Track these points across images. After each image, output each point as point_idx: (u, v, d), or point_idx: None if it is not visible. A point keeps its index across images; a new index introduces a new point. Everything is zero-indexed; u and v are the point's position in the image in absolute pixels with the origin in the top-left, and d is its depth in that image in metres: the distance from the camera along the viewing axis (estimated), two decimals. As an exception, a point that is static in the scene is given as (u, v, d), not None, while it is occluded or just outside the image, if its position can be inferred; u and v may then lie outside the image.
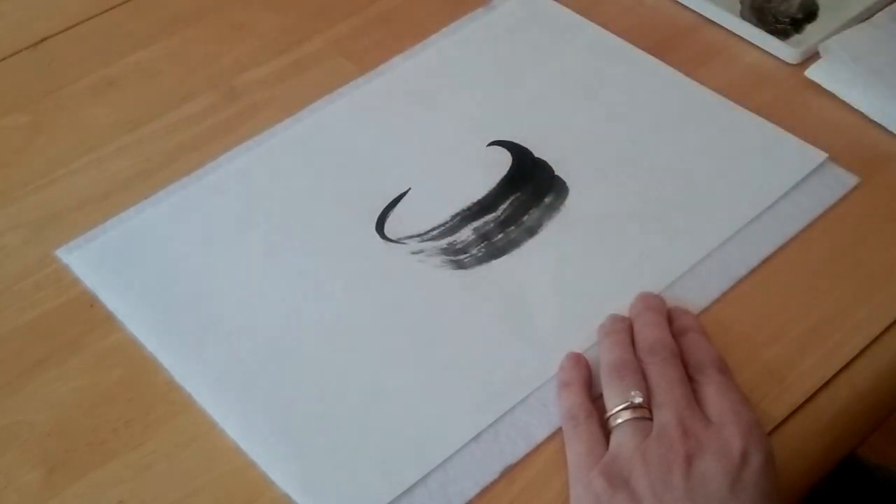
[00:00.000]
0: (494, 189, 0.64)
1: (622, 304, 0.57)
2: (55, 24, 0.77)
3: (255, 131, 0.68)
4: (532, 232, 0.61)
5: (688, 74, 0.70)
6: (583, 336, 0.56)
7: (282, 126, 0.68)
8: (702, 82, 0.69)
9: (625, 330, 0.55)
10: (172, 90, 0.72)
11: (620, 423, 0.50)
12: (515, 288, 0.59)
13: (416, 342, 0.57)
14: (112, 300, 0.60)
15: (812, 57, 0.69)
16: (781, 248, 0.60)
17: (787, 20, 0.72)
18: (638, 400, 0.50)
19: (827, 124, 0.66)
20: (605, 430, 0.51)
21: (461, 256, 0.60)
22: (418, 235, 0.62)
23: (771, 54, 0.71)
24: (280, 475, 0.52)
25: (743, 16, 0.73)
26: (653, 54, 0.71)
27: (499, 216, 0.62)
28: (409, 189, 0.64)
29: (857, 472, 0.81)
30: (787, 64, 0.70)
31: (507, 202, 0.63)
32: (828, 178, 0.63)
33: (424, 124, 0.68)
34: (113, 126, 0.70)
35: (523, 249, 0.61)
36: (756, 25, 0.72)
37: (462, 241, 0.61)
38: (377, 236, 0.62)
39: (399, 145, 0.67)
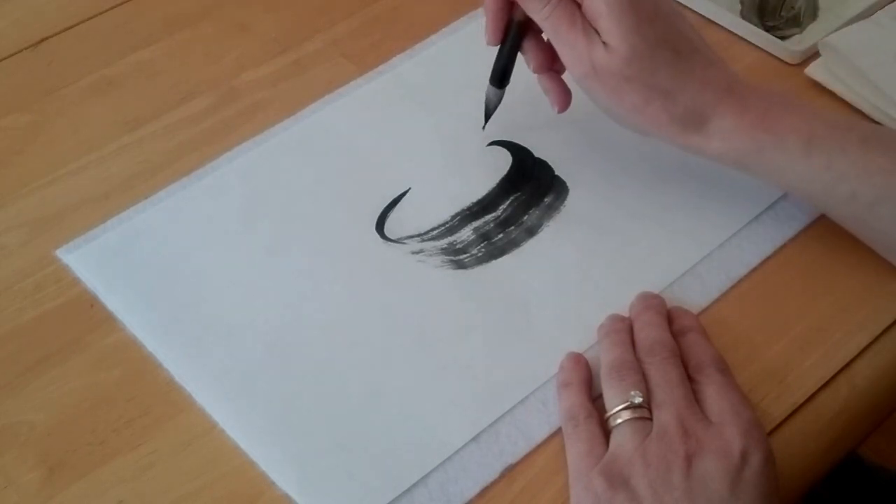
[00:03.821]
0: (494, 189, 0.64)
1: (622, 304, 0.57)
2: (55, 24, 0.77)
3: (255, 131, 0.68)
4: (532, 232, 0.61)
5: (688, 74, 0.70)
6: (583, 336, 0.56)
7: (282, 126, 0.68)
8: (702, 82, 0.69)
9: (625, 330, 0.55)
10: (172, 90, 0.72)
11: (620, 423, 0.50)
12: (515, 288, 0.59)
13: (416, 342, 0.57)
14: (112, 300, 0.60)
15: (812, 56, 0.69)
16: (781, 248, 0.60)
17: (787, 20, 0.72)
18: (638, 400, 0.50)
19: (827, 124, 0.66)
20: (605, 430, 0.51)
21: (461, 256, 0.60)
22: (418, 235, 0.62)
23: (771, 54, 0.71)
24: (280, 475, 0.52)
25: (743, 16, 0.73)
26: (653, 54, 0.71)
27: (499, 216, 0.62)
28: (409, 189, 0.64)
29: (857, 472, 0.82)
30: (788, 63, 0.70)
31: (507, 202, 0.63)
32: (828, 177, 0.63)
33: (424, 124, 0.68)
34: (113, 126, 0.69)
35: (523, 249, 0.61)
36: (756, 25, 0.72)
37: (462, 241, 0.61)
38: (377, 236, 0.62)
39: (399, 145, 0.67)
